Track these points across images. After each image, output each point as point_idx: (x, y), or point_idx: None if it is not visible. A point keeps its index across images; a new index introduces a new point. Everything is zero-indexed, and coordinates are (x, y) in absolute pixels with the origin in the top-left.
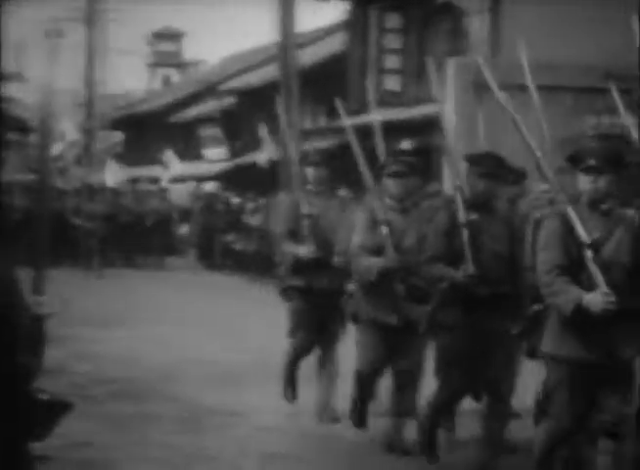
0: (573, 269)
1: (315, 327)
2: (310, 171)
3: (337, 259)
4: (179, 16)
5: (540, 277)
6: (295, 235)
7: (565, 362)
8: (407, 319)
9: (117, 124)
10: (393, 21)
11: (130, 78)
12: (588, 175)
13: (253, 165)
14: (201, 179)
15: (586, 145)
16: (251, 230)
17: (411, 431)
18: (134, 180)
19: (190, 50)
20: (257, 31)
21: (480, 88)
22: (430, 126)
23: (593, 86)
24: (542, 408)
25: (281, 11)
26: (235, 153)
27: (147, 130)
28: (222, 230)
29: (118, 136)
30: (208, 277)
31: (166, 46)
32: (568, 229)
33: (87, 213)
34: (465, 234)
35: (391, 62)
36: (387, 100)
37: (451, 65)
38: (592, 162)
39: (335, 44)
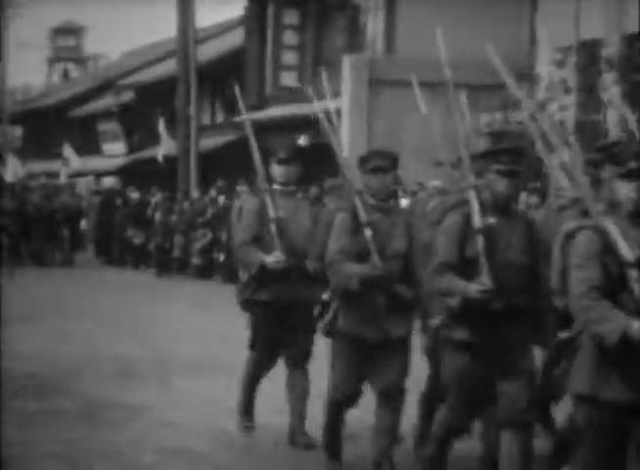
0: (614, 292)
1: (278, 344)
2: (278, 169)
3: (310, 266)
4: (81, 11)
5: (576, 300)
6: (260, 242)
7: (604, 406)
8: (388, 335)
9: (17, 119)
10: (291, 17)
11: (30, 73)
12: (630, 182)
13: (152, 160)
14: (100, 174)
15: (627, 147)
16: (154, 225)
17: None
18: (31, 175)
19: (91, 45)
20: (160, 27)
21: (374, 84)
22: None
23: (487, 83)
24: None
25: (180, 6)
26: (133, 148)
27: (46, 125)
28: (121, 225)
29: (18, 131)
30: (110, 273)
31: (67, 41)
32: (606, 245)
33: None
34: (480, 241)
35: (289, 58)
36: (283, 96)
37: (347, 61)
38: (634, 164)
39: (234, 40)
